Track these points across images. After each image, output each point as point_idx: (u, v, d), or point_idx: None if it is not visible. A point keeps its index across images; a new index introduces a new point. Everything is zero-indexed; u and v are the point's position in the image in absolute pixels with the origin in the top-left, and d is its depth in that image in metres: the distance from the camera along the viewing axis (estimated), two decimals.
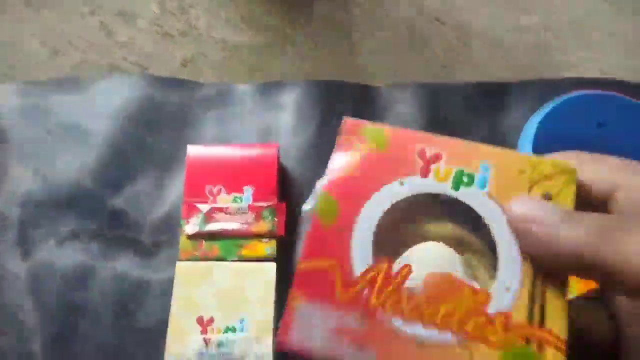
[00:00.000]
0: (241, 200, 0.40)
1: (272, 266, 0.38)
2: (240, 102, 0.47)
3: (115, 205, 0.44)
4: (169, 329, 0.36)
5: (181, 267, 0.38)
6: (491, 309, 0.18)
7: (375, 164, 0.20)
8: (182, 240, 0.39)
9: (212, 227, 0.39)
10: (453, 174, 0.20)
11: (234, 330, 0.36)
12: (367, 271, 0.18)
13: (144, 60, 0.54)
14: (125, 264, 0.42)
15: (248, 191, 0.41)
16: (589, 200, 0.19)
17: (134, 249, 0.43)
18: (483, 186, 0.20)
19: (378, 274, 0.18)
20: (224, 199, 0.40)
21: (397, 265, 0.19)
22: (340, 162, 0.20)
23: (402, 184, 0.20)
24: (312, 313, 0.18)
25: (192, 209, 0.40)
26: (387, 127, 0.21)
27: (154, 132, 0.47)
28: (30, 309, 0.41)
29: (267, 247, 0.39)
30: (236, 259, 0.39)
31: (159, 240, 0.43)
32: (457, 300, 0.18)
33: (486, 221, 0.19)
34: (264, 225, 0.39)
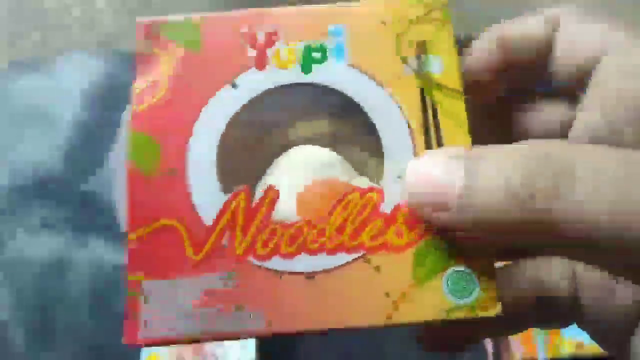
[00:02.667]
0: None
1: None
2: None
3: (87, 189, 0.43)
4: None
5: None
6: (386, 207, 0.14)
7: (193, 72, 0.15)
8: None
9: None
10: (299, 54, 0.15)
11: None
12: (220, 215, 0.14)
13: (107, 37, 0.52)
14: (100, 250, 0.41)
15: None
16: (567, 70, 0.15)
17: (108, 233, 0.41)
18: (340, 57, 0.15)
19: (236, 213, 0.14)
20: None
21: (258, 193, 0.14)
22: (144, 84, 0.15)
23: (234, 86, 0.15)
24: (161, 292, 0.13)
25: None
26: (196, 16, 0.15)
27: (120, 111, 0.45)
28: (6, 300, 0.40)
29: None
30: None
31: None
32: (343, 211, 0.14)
33: (357, 100, 0.15)
34: None
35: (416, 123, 0.15)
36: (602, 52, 0.14)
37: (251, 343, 0.35)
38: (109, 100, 0.45)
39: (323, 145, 0.15)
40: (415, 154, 0.15)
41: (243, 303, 0.13)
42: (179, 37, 0.15)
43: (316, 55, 0.15)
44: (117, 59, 0.46)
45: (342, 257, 0.14)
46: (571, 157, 0.12)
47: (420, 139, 0.15)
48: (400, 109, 0.15)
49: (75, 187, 0.43)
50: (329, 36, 0.15)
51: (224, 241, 0.14)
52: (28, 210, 0.42)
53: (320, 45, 0.15)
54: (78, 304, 0.40)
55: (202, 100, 0.15)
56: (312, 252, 0.14)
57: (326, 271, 0.14)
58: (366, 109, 0.15)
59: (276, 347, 0.38)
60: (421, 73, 0.15)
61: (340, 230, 0.14)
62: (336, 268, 0.14)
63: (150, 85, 0.15)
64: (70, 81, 0.46)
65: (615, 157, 0.12)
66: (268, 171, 0.15)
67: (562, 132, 0.16)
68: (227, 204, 0.14)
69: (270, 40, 0.15)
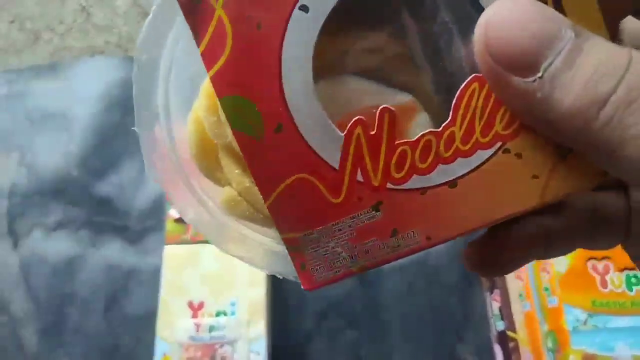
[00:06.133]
0: None
1: None
2: None
3: (102, 192, 0.43)
4: (159, 315, 0.36)
5: (169, 251, 0.37)
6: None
7: (251, 7, 0.13)
8: (169, 224, 0.38)
9: None
10: None
11: (225, 313, 0.36)
12: (344, 154, 0.13)
13: (125, 43, 0.53)
14: (114, 251, 0.41)
15: None
16: None
17: (122, 235, 0.42)
18: None
19: (358, 146, 0.13)
20: None
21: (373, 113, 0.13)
22: (205, 39, 0.13)
23: (305, 9, 0.13)
24: (318, 240, 0.14)
25: None
26: None
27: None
28: (21, 299, 0.40)
29: None
30: None
31: (146, 226, 0.42)
32: (467, 108, 0.13)
33: None
34: None
35: None
36: None
37: (262, 347, 0.35)
38: (125, 103, 0.46)
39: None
40: None
41: (396, 227, 0.13)
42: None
43: None
44: (133, 65, 0.47)
45: (481, 155, 0.13)
46: None
47: None
48: None
49: (90, 189, 0.43)
50: None
51: (359, 177, 0.13)
52: (44, 211, 0.43)
53: None
54: (90, 304, 0.40)
55: (277, 39, 0.13)
56: (449, 161, 0.13)
57: (467, 174, 0.13)
58: None
59: (286, 352, 0.38)
60: None
61: (469, 130, 0.13)
62: (477, 167, 0.13)
63: (213, 39, 0.13)
64: (88, 85, 0.46)
65: None
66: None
67: None
68: (346, 141, 0.13)
69: None
